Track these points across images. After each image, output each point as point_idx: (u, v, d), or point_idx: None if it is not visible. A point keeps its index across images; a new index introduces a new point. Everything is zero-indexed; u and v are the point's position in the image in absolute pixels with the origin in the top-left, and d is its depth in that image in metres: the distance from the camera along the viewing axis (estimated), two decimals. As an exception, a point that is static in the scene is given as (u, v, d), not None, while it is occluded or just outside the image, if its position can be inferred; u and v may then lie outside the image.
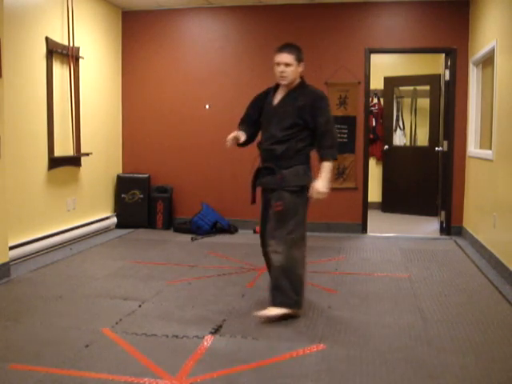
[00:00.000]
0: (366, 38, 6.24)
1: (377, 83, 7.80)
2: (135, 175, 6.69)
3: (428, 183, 7.49)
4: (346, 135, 6.29)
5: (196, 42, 6.58)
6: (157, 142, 6.73)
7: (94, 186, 6.20)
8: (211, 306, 3.64)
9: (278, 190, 3.39)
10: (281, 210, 3.35)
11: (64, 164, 5.50)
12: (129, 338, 3.04)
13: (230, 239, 6.01)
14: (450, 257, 5.17)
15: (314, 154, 3.52)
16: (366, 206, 6.40)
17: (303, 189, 3.40)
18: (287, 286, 3.32)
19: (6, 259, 4.32)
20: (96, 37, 6.14)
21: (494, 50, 4.91)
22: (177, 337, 3.06)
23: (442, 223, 6.40)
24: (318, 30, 6.26)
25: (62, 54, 5.36)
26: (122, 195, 6.63)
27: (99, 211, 6.33)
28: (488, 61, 5.35)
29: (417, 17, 6.16)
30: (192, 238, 5.98)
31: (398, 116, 8.24)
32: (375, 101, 8.25)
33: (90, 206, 6.10)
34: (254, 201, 3.60)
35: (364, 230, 6.39)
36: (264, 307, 3.59)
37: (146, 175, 6.67)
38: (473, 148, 5.96)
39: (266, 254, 3.62)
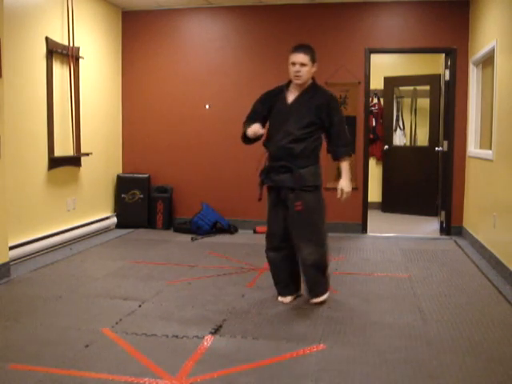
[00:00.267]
0: (366, 38, 6.24)
1: (377, 83, 7.80)
2: (135, 175, 6.69)
3: (428, 183, 7.49)
4: (346, 135, 6.28)
5: (196, 41, 6.58)
6: (157, 141, 6.73)
7: (94, 186, 6.20)
8: (211, 306, 3.64)
9: (297, 189, 3.45)
10: (301, 210, 3.45)
11: (64, 164, 5.50)
12: (129, 338, 3.04)
13: (230, 239, 6.01)
14: (450, 257, 5.17)
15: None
16: (366, 206, 6.39)
17: (318, 188, 3.53)
18: (321, 279, 3.63)
19: (6, 259, 4.32)
20: (96, 37, 6.14)
21: (494, 49, 4.91)
22: (177, 337, 3.06)
23: (442, 223, 6.40)
24: (318, 30, 6.26)
25: (61, 53, 5.36)
26: (122, 195, 6.63)
27: (99, 211, 6.33)
28: (488, 61, 5.35)
29: (417, 17, 6.16)
30: (192, 238, 5.98)
31: (397, 116, 8.24)
32: (375, 101, 8.25)
33: (90, 206, 6.11)
34: (261, 198, 3.64)
35: (364, 230, 6.39)
36: (264, 307, 3.61)
37: (146, 175, 6.68)
38: (473, 148, 5.96)
39: (275, 251, 3.65)
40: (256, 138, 3.59)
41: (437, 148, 6.84)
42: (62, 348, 2.88)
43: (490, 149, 5.01)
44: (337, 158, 3.59)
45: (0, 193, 4.22)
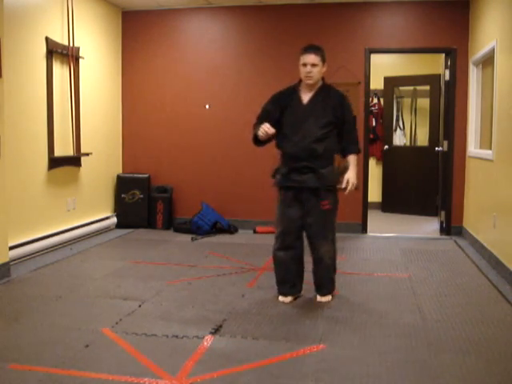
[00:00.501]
0: (366, 38, 6.24)
1: (377, 83, 7.80)
2: (135, 175, 6.69)
3: (428, 183, 7.49)
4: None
5: (196, 42, 6.58)
6: (157, 141, 6.73)
7: (94, 186, 6.20)
8: (211, 306, 3.64)
9: (321, 189, 3.54)
10: (329, 209, 3.60)
11: (64, 164, 5.50)
12: (129, 338, 3.04)
13: (230, 239, 6.01)
14: (450, 257, 5.17)
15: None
16: (366, 205, 6.39)
17: (336, 187, 3.65)
18: (333, 277, 3.79)
19: (6, 259, 4.32)
20: (96, 37, 6.14)
21: (494, 49, 4.91)
22: (177, 337, 3.06)
23: (442, 223, 6.40)
24: (318, 30, 6.26)
25: (61, 54, 5.36)
26: (122, 195, 6.63)
27: (99, 211, 6.33)
28: (488, 61, 5.35)
29: (417, 17, 6.16)
30: (192, 238, 5.97)
31: (397, 116, 8.24)
32: (375, 101, 8.25)
33: (90, 205, 6.11)
34: (283, 199, 3.66)
35: (364, 230, 6.39)
36: (264, 307, 3.61)
37: (146, 175, 6.68)
38: (473, 148, 5.96)
39: (285, 250, 3.68)
40: (268, 140, 3.60)
41: (437, 148, 6.84)
42: (62, 348, 2.88)
43: (490, 149, 5.01)
44: (347, 154, 3.67)
45: (0, 193, 4.22)
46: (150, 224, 6.60)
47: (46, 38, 5.13)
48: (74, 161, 5.71)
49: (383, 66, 8.00)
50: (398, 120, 8.23)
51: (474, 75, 5.90)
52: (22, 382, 2.50)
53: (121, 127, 6.82)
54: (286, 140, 3.60)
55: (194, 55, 6.59)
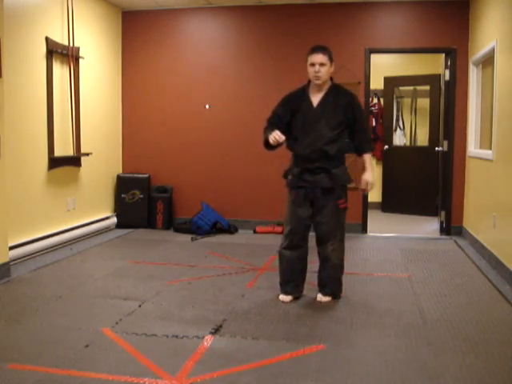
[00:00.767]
0: (366, 38, 6.24)
1: (377, 83, 7.80)
2: (135, 175, 6.69)
3: (428, 183, 7.49)
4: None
5: (196, 41, 6.58)
6: (157, 141, 6.73)
7: (94, 185, 6.20)
8: (211, 306, 3.64)
9: (335, 188, 3.60)
10: (346, 207, 3.71)
11: (64, 164, 5.50)
12: (129, 338, 3.04)
13: (230, 239, 6.01)
14: (450, 257, 5.17)
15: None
16: (366, 206, 6.40)
17: (347, 187, 3.72)
18: (341, 277, 3.82)
19: (6, 259, 4.32)
20: (96, 37, 6.14)
21: (494, 50, 4.91)
22: (177, 337, 3.06)
23: (442, 223, 6.40)
24: (318, 30, 6.26)
25: (62, 53, 5.36)
26: (122, 195, 6.63)
27: (99, 211, 6.33)
28: (488, 61, 5.35)
29: (417, 17, 6.16)
30: (192, 238, 5.97)
31: (398, 116, 8.24)
32: (375, 101, 8.25)
33: (90, 205, 6.11)
34: (296, 199, 3.67)
35: (364, 230, 6.39)
36: (264, 307, 3.61)
37: (146, 175, 6.68)
38: (473, 148, 5.96)
39: (292, 249, 3.71)
40: (278, 144, 3.60)
41: (437, 148, 6.84)
42: (62, 348, 2.88)
43: (490, 149, 5.01)
44: (361, 153, 3.70)
45: (0, 193, 4.22)
46: (150, 224, 6.60)
47: (46, 38, 5.13)
48: (74, 161, 5.71)
49: (383, 66, 8.00)
50: (398, 120, 8.23)
51: (473, 75, 5.90)
52: (22, 382, 2.49)
53: (121, 127, 6.82)
54: (297, 142, 3.63)
55: (194, 55, 6.59)
